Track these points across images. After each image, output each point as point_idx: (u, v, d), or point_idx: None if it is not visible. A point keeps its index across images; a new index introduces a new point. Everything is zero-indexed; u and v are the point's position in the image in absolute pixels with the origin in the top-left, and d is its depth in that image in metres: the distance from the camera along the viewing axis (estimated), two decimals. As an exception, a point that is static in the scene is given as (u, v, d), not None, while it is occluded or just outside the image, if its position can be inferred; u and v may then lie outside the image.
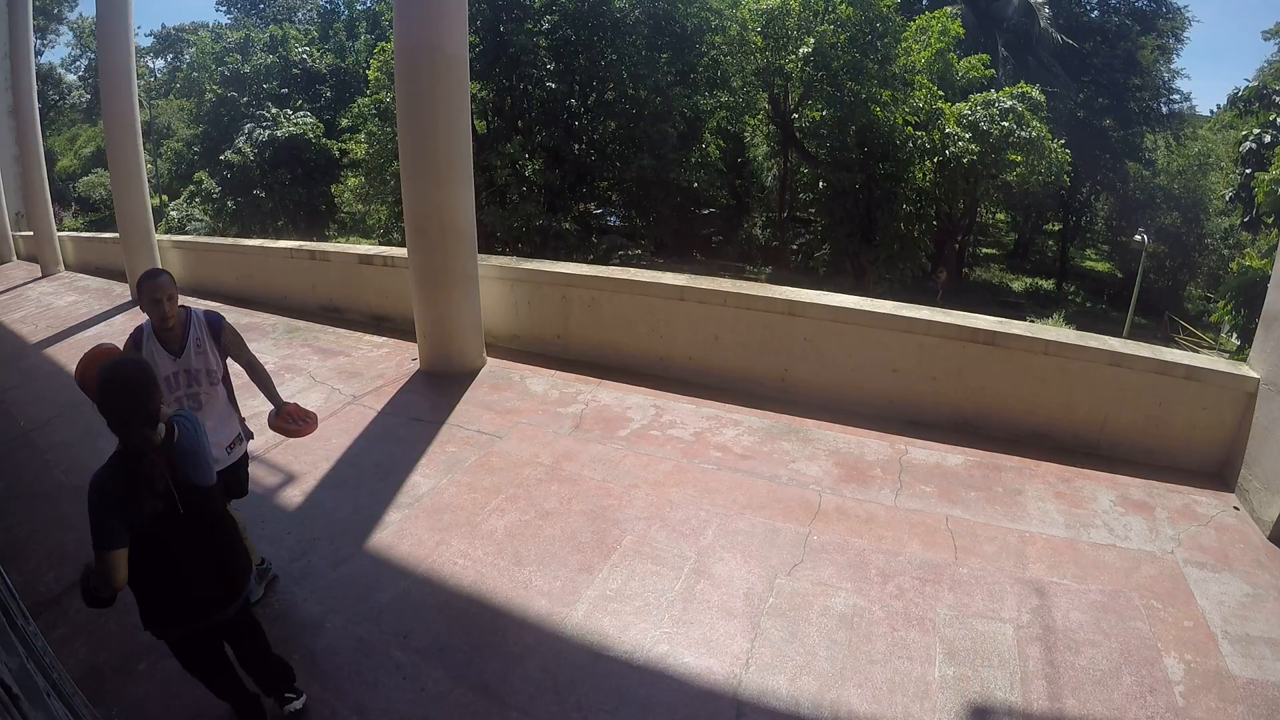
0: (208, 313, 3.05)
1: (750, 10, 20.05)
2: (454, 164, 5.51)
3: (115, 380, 1.94)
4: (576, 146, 20.46)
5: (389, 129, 19.18)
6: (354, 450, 4.68)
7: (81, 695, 2.29)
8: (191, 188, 28.88)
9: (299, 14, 40.16)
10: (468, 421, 5.02)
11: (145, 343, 2.89)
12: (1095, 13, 29.69)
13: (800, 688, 2.72)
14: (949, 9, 21.98)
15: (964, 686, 2.72)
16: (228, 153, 25.89)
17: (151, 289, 2.81)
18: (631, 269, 6.63)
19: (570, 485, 4.15)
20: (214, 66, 31.38)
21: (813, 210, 22.50)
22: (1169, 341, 20.14)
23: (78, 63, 41.75)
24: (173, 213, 28.14)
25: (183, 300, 3.04)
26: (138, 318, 3.61)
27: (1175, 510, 3.94)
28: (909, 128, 18.58)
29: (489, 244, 17.01)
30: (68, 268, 12.55)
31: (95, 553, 1.91)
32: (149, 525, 1.98)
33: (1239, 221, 17.45)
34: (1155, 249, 24.96)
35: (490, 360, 6.14)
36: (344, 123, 24.70)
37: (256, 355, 3.27)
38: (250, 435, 3.28)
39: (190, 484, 2.06)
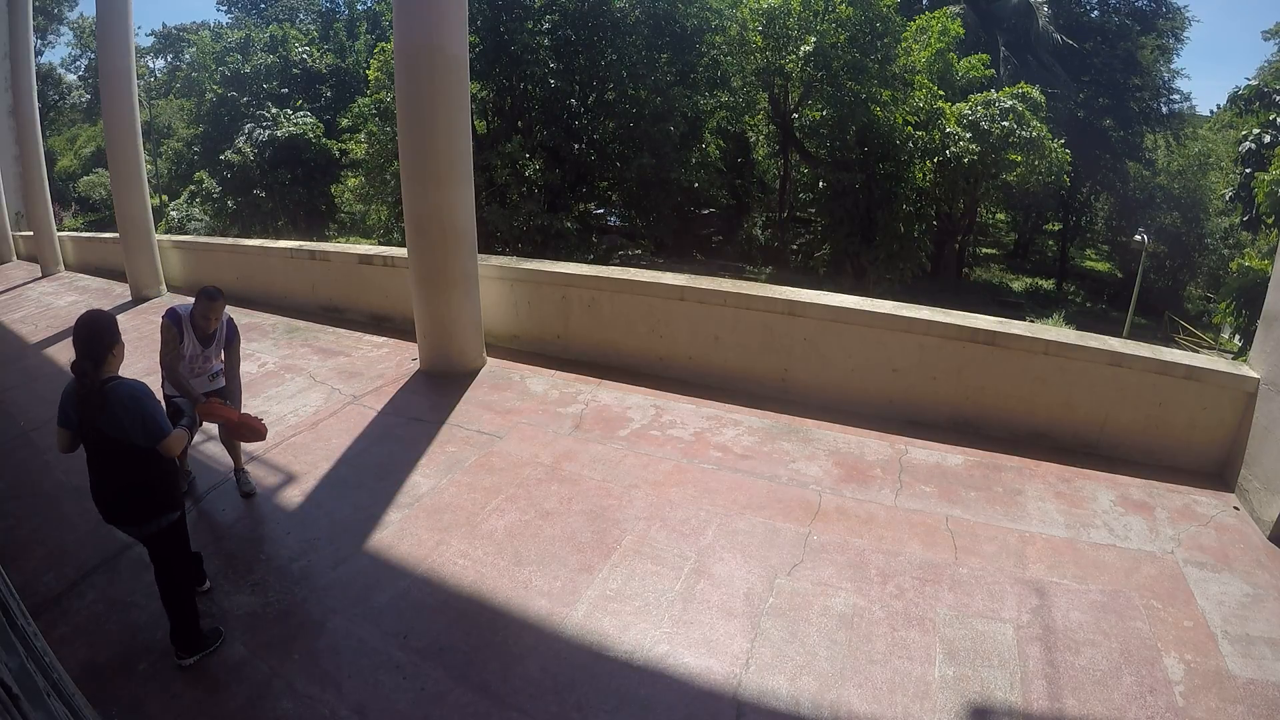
0: (231, 324, 3.95)
1: (750, 10, 20.02)
2: (454, 164, 5.51)
3: (80, 326, 2.67)
4: (576, 146, 20.44)
5: (389, 129, 19.16)
6: (354, 450, 4.68)
7: (81, 695, 2.29)
8: (192, 188, 28.85)
9: (300, 14, 40.12)
10: (468, 421, 5.02)
11: (184, 328, 3.73)
12: (1095, 13, 29.66)
13: (800, 688, 2.72)
14: (949, 9, 21.96)
15: (964, 686, 2.72)
16: (228, 153, 25.87)
17: (208, 308, 3.72)
18: (631, 269, 6.63)
19: (570, 485, 4.15)
20: (214, 66, 31.33)
21: (813, 210, 22.46)
22: (1169, 342, 20.14)
23: (78, 63, 41.72)
24: (173, 213, 28.13)
25: (184, 300, 3.82)
26: (137, 318, 3.67)
27: (1175, 510, 3.94)
28: (909, 128, 18.56)
29: (489, 244, 17.00)
30: (68, 268, 12.56)
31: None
32: (80, 436, 2.68)
33: (1238, 221, 17.47)
34: (1155, 249, 24.94)
35: (490, 360, 6.14)
36: (344, 123, 24.66)
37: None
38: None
39: (98, 427, 2.62)
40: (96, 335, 2.64)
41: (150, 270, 9.55)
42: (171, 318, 3.71)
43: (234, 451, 4.23)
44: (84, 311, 2.76)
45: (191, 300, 3.84)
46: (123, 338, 2.79)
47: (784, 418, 5.01)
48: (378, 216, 21.94)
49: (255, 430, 3.49)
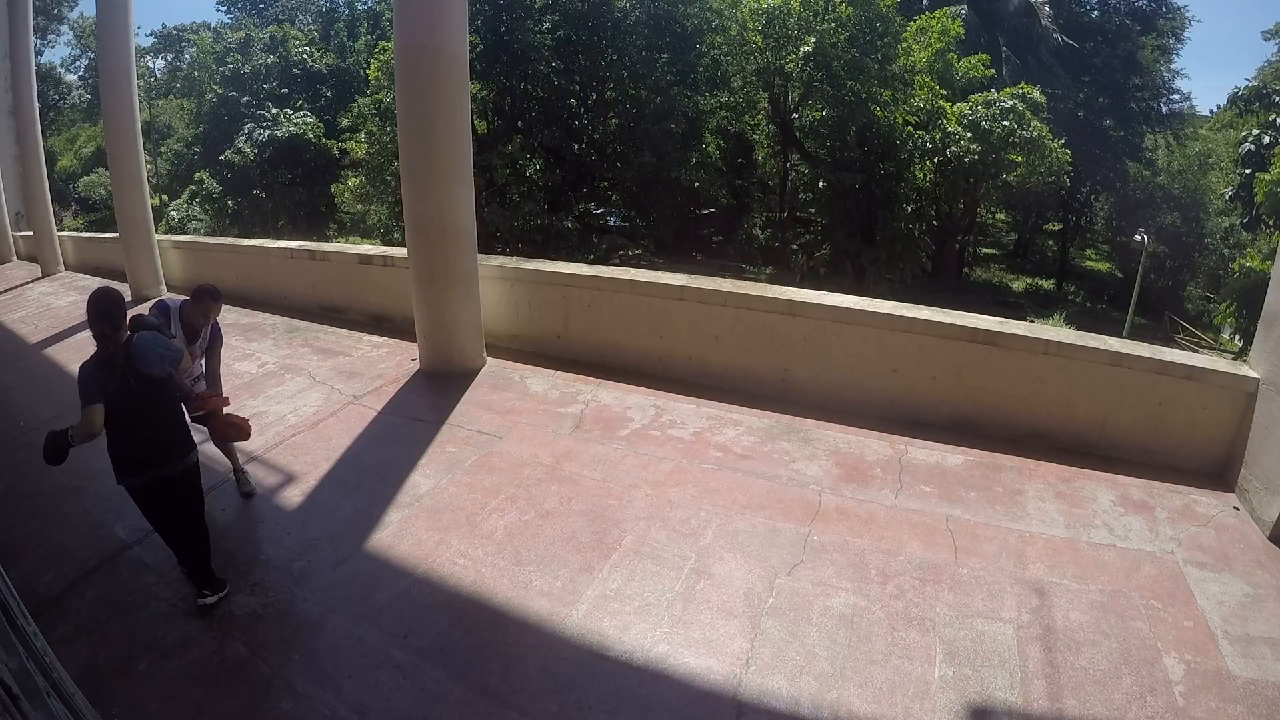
0: (216, 327, 4.04)
1: (750, 10, 20.02)
2: (454, 164, 5.51)
3: (94, 299, 3.01)
4: (577, 146, 20.46)
5: (389, 129, 19.17)
6: (354, 450, 4.68)
7: (81, 695, 2.29)
8: (192, 188, 28.84)
9: (300, 14, 40.08)
10: (468, 421, 5.02)
11: (173, 318, 3.78)
12: (1095, 13, 29.66)
13: (800, 688, 2.72)
14: (949, 9, 21.95)
15: (964, 686, 2.72)
16: (228, 153, 25.89)
17: (208, 308, 3.85)
18: (631, 269, 6.62)
19: (570, 485, 4.15)
20: (214, 66, 31.35)
21: (813, 210, 22.48)
22: (1169, 342, 20.14)
23: (78, 63, 41.67)
24: (173, 213, 28.12)
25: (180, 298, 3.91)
26: (137, 318, 3.66)
27: (1175, 510, 3.93)
28: (909, 128, 18.57)
29: (490, 243, 16.98)
30: (68, 268, 12.55)
31: (82, 409, 2.87)
32: (118, 398, 2.92)
33: (1238, 221, 17.48)
34: (1155, 249, 24.93)
35: (490, 360, 6.14)
36: (344, 122, 24.68)
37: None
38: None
39: (139, 371, 2.98)
40: (114, 305, 3.01)
41: (150, 270, 9.56)
42: (160, 307, 3.80)
43: (230, 452, 4.22)
44: (97, 288, 3.10)
45: (185, 298, 3.88)
46: None
47: (784, 418, 5.00)
48: (378, 216, 21.95)
49: (240, 429, 3.66)
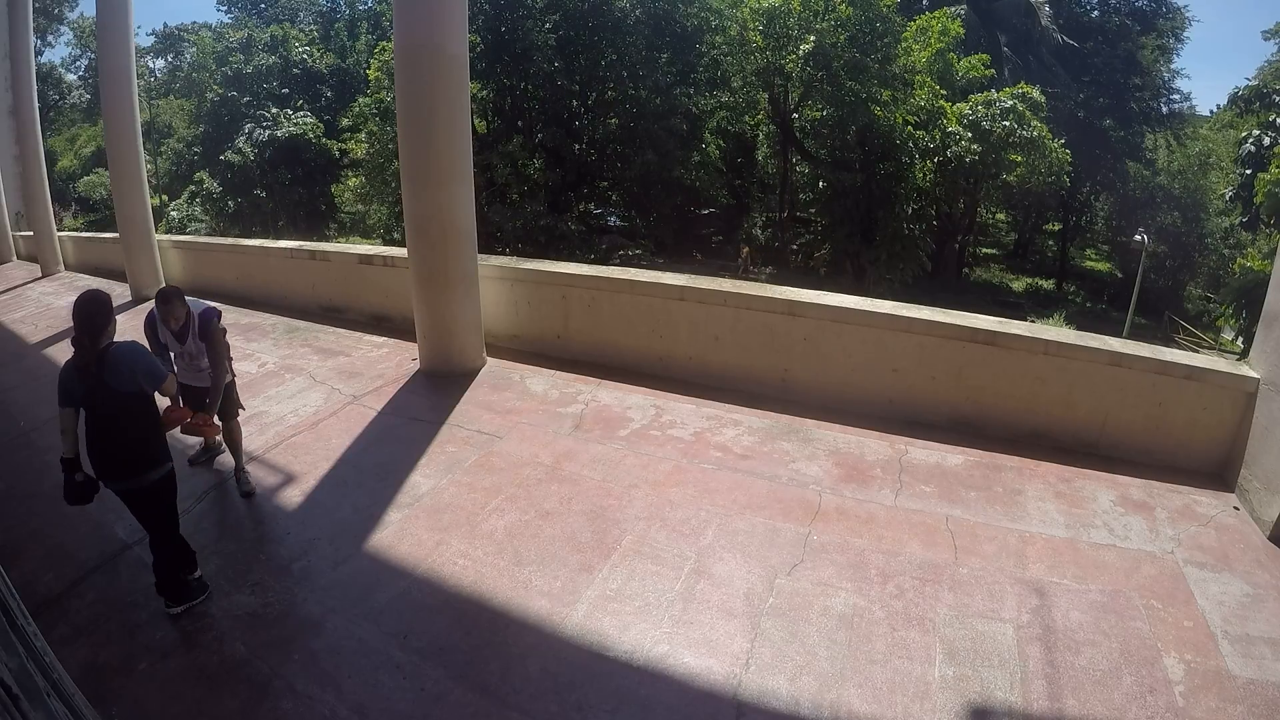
0: (202, 314, 3.91)
1: (750, 10, 20.02)
2: (454, 164, 5.51)
3: (79, 303, 2.97)
4: (577, 146, 20.48)
5: (389, 129, 19.19)
6: (354, 450, 4.68)
7: (81, 695, 2.29)
8: (192, 188, 28.86)
9: (301, 14, 40.07)
10: (468, 421, 5.02)
11: (159, 328, 3.85)
12: (1095, 13, 29.67)
13: (800, 688, 2.72)
14: (949, 9, 21.94)
15: (964, 686, 2.72)
16: (228, 153, 25.91)
17: (165, 312, 3.74)
18: (631, 269, 6.62)
19: (570, 485, 4.15)
20: (215, 66, 31.39)
21: (813, 210, 22.48)
22: (1169, 342, 20.13)
23: (78, 63, 41.72)
24: (173, 213, 28.13)
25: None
26: (137, 318, 3.70)
27: (1175, 510, 3.93)
28: (909, 127, 18.57)
29: (491, 244, 17.00)
30: (68, 268, 12.55)
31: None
32: (85, 405, 2.97)
33: (1238, 221, 17.49)
34: (1155, 249, 24.93)
35: (490, 360, 6.14)
36: (344, 122, 24.68)
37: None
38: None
39: (106, 384, 2.93)
40: (96, 312, 2.96)
41: (150, 270, 9.55)
42: (148, 318, 3.91)
43: (235, 451, 4.25)
44: (83, 291, 3.06)
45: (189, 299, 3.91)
46: (120, 337, 2.95)
47: (784, 418, 5.00)
48: (378, 216, 21.98)
49: (200, 430, 3.64)
